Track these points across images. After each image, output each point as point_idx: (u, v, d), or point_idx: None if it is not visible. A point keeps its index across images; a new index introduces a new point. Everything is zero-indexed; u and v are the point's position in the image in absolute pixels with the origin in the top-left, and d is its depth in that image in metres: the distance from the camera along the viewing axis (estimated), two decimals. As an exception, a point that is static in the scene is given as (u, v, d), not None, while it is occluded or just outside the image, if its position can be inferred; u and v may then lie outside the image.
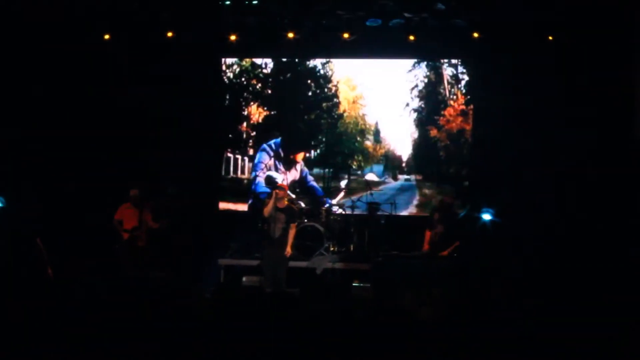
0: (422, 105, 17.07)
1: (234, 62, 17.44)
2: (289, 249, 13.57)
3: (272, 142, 16.68)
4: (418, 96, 17.04)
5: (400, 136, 17.27)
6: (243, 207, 16.91)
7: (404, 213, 16.63)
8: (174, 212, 15.27)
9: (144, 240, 14.57)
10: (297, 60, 17.28)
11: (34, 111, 16.10)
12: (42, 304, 8.95)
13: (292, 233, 13.69)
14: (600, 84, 14.98)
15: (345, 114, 17.19)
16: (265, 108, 17.35)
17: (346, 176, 17.14)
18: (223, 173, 17.29)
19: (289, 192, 14.71)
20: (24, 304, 8.90)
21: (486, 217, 14.21)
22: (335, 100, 17.15)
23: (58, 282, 11.86)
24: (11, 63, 15.88)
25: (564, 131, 15.26)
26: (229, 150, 17.35)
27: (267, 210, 13.63)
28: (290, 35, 16.01)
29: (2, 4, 15.26)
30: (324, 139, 17.19)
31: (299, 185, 16.57)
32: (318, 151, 17.23)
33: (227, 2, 15.58)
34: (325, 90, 17.15)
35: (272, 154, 16.57)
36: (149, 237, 14.64)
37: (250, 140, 17.39)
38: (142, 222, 14.54)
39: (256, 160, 16.64)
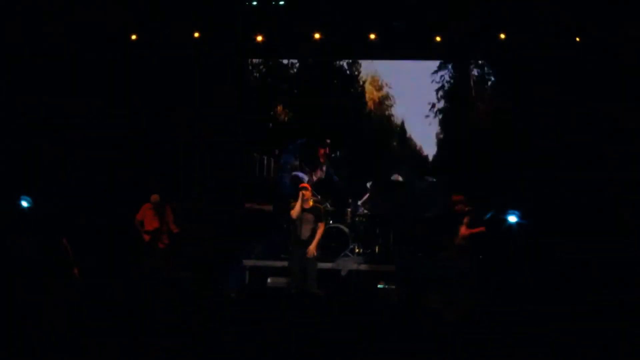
0: (448, 106, 17.02)
1: (259, 62, 17.44)
2: (312, 248, 13.47)
3: (297, 142, 16.66)
4: (444, 97, 16.98)
5: (426, 137, 17.22)
6: (269, 207, 16.90)
7: (429, 214, 16.57)
8: (199, 212, 15.31)
9: (165, 241, 14.60)
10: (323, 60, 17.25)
11: (62, 112, 16.18)
12: (68, 304, 8.99)
13: (319, 232, 13.62)
14: (626, 84, 14.92)
15: (371, 114, 17.17)
16: (291, 108, 17.34)
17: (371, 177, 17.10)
18: (249, 174, 17.29)
19: (314, 192, 14.68)
20: (51, 303, 8.94)
21: (512, 219, 14.13)
22: (361, 100, 17.12)
23: (84, 282, 11.90)
24: (34, 64, 15.96)
25: (589, 132, 15.19)
26: (256, 151, 17.35)
27: (295, 211, 13.58)
28: (317, 36, 16.01)
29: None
30: (348, 139, 17.16)
31: (325, 185, 16.53)
32: (339, 152, 17.19)
33: (254, 3, 15.60)
34: (352, 90, 17.13)
35: (297, 154, 16.54)
36: (170, 239, 14.67)
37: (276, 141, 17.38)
38: (163, 224, 14.57)
39: (281, 161, 16.62)
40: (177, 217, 14.74)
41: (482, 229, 13.69)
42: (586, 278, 13.22)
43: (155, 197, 14.59)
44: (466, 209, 14.17)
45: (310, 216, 13.58)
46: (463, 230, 13.88)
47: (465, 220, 13.98)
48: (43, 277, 11.37)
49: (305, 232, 13.56)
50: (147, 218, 14.60)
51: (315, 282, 13.49)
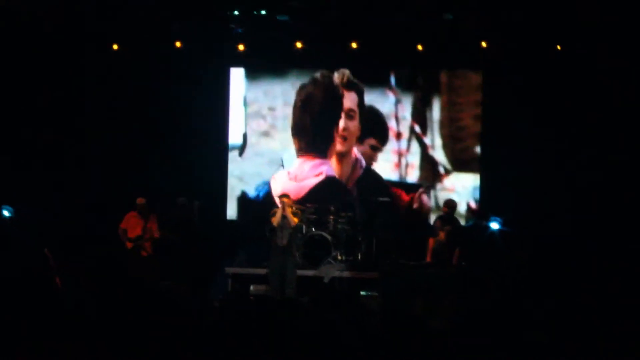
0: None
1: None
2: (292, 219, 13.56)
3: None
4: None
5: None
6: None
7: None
8: (183, 221, 15.28)
9: (148, 250, 14.56)
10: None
11: (41, 120, 16.15)
12: (50, 313, 8.95)
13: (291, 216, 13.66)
14: (611, 91, 15.03)
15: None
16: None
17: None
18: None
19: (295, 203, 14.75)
20: (32, 313, 8.91)
21: (494, 226, 14.19)
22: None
23: (66, 291, 11.86)
24: (20, 71, 15.93)
25: (575, 138, 15.30)
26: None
27: (276, 219, 13.63)
28: (298, 45, 16.04)
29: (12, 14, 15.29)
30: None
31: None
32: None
33: (236, 13, 15.61)
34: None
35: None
36: (154, 247, 14.63)
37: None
38: (145, 232, 14.55)
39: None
40: (161, 225, 14.71)
41: (457, 251, 13.79)
42: (571, 282, 13.27)
43: (141, 200, 14.55)
44: (447, 216, 14.29)
45: (288, 224, 13.64)
46: (442, 235, 13.95)
47: (447, 228, 14.03)
48: (25, 287, 11.33)
49: (284, 239, 13.63)
50: (130, 226, 14.56)
51: (294, 289, 13.53)
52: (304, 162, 16.98)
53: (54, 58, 16.04)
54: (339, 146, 16.88)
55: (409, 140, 16.88)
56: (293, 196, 14.83)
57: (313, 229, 15.48)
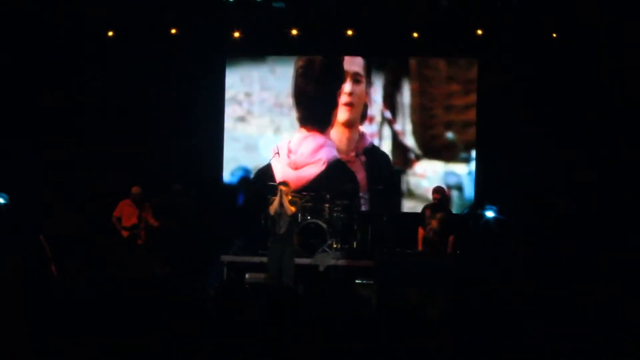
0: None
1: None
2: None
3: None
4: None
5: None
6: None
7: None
8: (178, 209, 15.27)
9: (144, 238, 14.55)
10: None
11: (35, 108, 16.13)
12: (45, 302, 8.95)
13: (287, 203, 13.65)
14: (608, 81, 15.03)
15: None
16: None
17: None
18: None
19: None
20: (27, 301, 8.91)
21: (489, 214, 14.20)
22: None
23: (61, 279, 11.85)
24: (12, 62, 15.91)
25: (569, 127, 15.29)
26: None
27: (273, 207, 13.59)
28: (294, 32, 16.01)
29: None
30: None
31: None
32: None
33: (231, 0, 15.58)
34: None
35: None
36: (149, 235, 14.62)
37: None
38: (141, 220, 14.52)
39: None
40: (156, 213, 14.68)
41: (452, 238, 13.77)
42: (569, 271, 13.30)
43: (136, 189, 14.51)
44: (445, 204, 14.25)
45: (287, 212, 13.60)
46: (434, 224, 13.93)
47: (439, 215, 14.02)
48: (20, 274, 11.32)
49: (282, 228, 13.60)
50: (125, 214, 14.53)
51: (292, 277, 13.53)
52: (303, 139, 16.93)
53: (48, 46, 15.99)
54: (344, 114, 16.82)
55: (380, 125, 16.87)
56: (292, 186, 14.83)
57: (308, 217, 15.48)
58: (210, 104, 17.03)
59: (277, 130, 17.19)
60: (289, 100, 17.13)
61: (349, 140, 16.84)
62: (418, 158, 16.76)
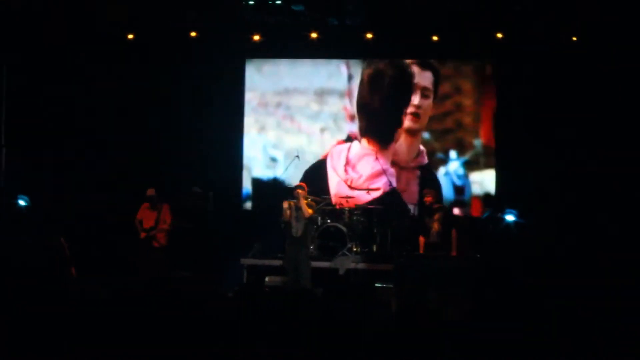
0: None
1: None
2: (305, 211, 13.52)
3: None
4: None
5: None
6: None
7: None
8: (197, 211, 15.27)
9: (160, 241, 14.52)
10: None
11: (55, 111, 16.18)
12: (64, 304, 8.95)
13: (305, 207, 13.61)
14: (624, 85, 14.93)
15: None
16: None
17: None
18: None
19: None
20: (46, 303, 8.91)
21: (509, 218, 14.15)
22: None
23: (81, 281, 11.88)
24: (32, 65, 15.96)
25: (587, 133, 15.20)
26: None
27: (290, 210, 13.60)
28: (314, 35, 15.99)
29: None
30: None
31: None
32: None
33: (251, 2, 15.56)
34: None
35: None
36: (168, 238, 14.60)
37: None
38: (158, 222, 14.52)
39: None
40: (175, 216, 14.68)
41: (454, 232, 13.74)
42: (587, 276, 13.22)
43: (150, 191, 14.51)
44: (435, 206, 14.24)
45: (304, 215, 13.59)
46: (436, 226, 13.93)
47: (436, 217, 14.02)
48: (40, 276, 11.36)
49: (298, 230, 13.60)
50: (145, 217, 14.54)
51: (309, 280, 13.51)
52: (364, 155, 16.75)
53: (68, 48, 16.03)
54: (409, 123, 16.63)
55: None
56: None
57: (328, 221, 15.46)
58: (230, 107, 17.04)
59: (262, 129, 17.26)
60: (275, 100, 17.15)
61: (410, 148, 16.68)
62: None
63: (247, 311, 9.14)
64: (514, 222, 14.17)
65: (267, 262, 15.14)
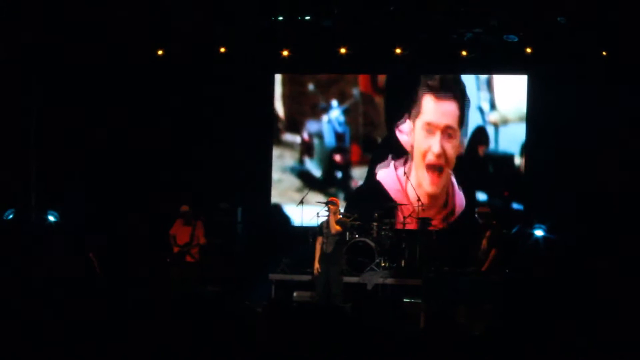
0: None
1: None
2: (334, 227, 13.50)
3: None
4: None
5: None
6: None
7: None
8: (225, 227, 15.31)
9: (195, 256, 14.54)
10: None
11: (84, 128, 16.24)
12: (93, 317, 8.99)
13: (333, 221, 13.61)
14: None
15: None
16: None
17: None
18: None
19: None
20: (76, 318, 8.95)
21: (539, 233, 14.10)
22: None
23: (110, 295, 11.92)
24: (67, 75, 16.04)
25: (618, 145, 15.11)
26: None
27: (332, 226, 13.55)
28: (343, 50, 16.01)
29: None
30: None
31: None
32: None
33: (280, 18, 15.62)
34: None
35: None
36: (201, 254, 14.63)
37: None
38: (193, 238, 14.53)
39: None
40: (207, 231, 14.70)
41: (493, 251, 13.63)
42: (615, 289, 13.12)
43: (184, 208, 14.54)
44: (493, 222, 14.14)
45: (333, 230, 13.58)
46: (484, 243, 13.86)
47: (487, 234, 13.93)
48: (69, 291, 11.41)
49: (329, 247, 13.59)
50: (179, 233, 14.54)
51: (340, 296, 13.49)
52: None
53: (97, 66, 16.08)
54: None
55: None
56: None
57: (356, 236, 15.45)
58: (258, 122, 17.07)
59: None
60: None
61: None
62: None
63: (275, 326, 9.14)
64: (543, 237, 14.10)
65: (295, 277, 15.15)
